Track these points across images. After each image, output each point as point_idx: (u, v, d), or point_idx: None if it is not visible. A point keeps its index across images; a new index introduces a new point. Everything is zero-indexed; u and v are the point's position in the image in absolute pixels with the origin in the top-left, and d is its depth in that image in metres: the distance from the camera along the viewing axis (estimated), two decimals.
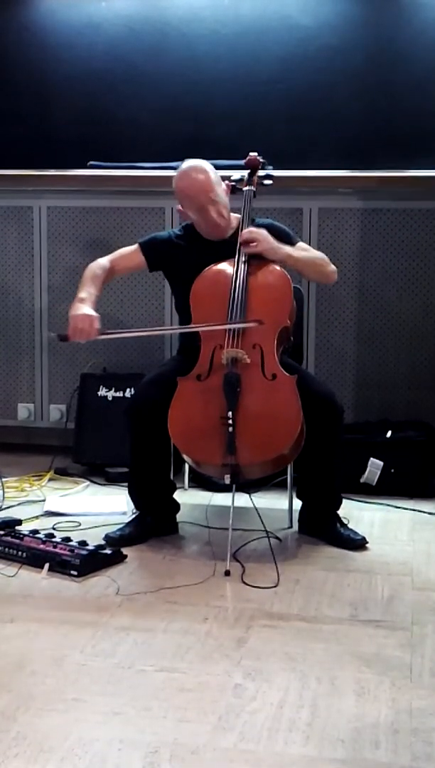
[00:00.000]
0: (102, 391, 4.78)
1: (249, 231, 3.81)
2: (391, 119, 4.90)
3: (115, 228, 4.88)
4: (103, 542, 3.65)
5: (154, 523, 3.84)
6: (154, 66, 5.10)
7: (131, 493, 3.90)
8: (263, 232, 3.81)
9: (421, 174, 4.69)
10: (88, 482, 4.59)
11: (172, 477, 3.93)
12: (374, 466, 4.38)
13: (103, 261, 3.95)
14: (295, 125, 4.95)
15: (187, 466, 4.26)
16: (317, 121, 4.95)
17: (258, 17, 4.98)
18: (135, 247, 3.99)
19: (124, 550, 3.60)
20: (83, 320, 3.70)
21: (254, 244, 3.78)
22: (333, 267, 3.93)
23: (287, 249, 3.84)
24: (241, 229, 3.84)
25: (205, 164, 3.88)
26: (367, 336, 4.73)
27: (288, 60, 4.96)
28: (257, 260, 3.80)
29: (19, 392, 5.06)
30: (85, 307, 3.74)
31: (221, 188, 3.86)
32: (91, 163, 4.94)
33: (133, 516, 3.89)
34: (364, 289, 4.70)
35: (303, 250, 3.92)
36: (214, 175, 3.86)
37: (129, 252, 3.99)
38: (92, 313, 3.73)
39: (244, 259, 3.79)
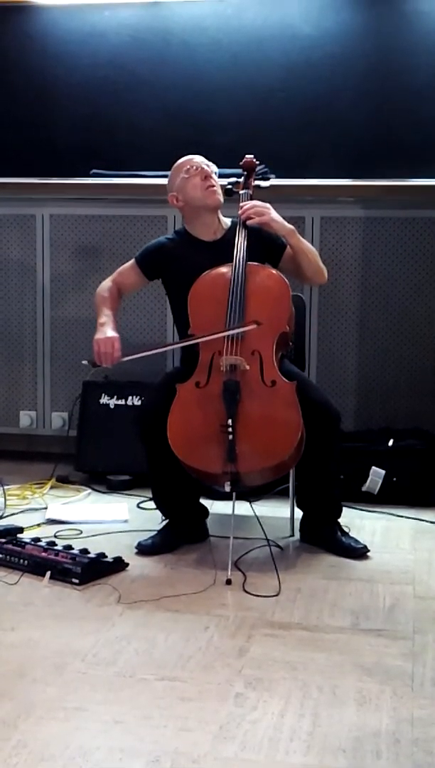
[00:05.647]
0: (104, 399, 4.78)
1: (253, 204, 3.77)
2: (393, 128, 4.90)
3: (118, 236, 4.88)
4: (105, 552, 3.63)
5: (184, 530, 3.83)
6: (157, 74, 5.11)
7: (156, 502, 3.91)
8: (267, 204, 3.77)
9: (423, 183, 4.70)
10: (89, 490, 4.58)
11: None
12: (376, 475, 4.38)
13: (106, 282, 3.95)
14: (297, 134, 4.96)
15: None
16: (319, 129, 4.96)
17: (260, 26, 4.99)
18: (131, 262, 3.98)
19: (126, 558, 3.59)
20: (105, 344, 3.70)
21: (259, 217, 3.73)
22: (324, 267, 3.88)
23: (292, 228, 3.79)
24: (237, 233, 3.78)
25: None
26: (369, 344, 4.73)
27: (290, 69, 4.97)
28: (255, 263, 3.77)
29: (21, 400, 5.06)
30: (106, 330, 3.74)
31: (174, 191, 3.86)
32: (94, 171, 4.95)
33: (163, 524, 3.88)
34: (366, 298, 4.70)
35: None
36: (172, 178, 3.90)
37: (126, 269, 3.98)
38: (113, 334, 3.73)
39: (244, 242, 3.73)
